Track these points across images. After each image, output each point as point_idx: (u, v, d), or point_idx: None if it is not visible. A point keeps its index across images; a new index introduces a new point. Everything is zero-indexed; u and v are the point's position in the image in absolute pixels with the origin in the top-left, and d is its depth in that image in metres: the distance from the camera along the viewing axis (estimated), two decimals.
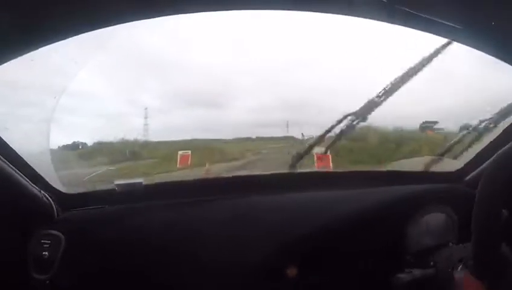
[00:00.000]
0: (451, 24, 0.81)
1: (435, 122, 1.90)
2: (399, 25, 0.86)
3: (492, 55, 0.92)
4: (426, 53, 1.04)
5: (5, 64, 0.76)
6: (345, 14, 0.86)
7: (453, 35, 0.90)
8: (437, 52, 1.01)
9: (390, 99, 1.09)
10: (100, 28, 0.78)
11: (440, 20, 0.80)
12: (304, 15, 0.86)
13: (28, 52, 0.78)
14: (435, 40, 0.95)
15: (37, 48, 0.78)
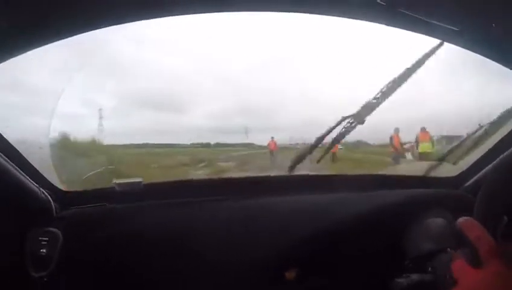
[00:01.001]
0: (448, 26, 0.81)
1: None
2: (396, 27, 0.87)
3: (491, 58, 0.92)
4: (420, 56, 1.04)
5: (5, 62, 0.77)
6: (342, 16, 0.86)
7: (451, 37, 0.90)
8: (429, 55, 1.01)
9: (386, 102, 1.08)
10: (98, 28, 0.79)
11: (437, 23, 0.80)
12: (267, 18, 0.87)
13: (28, 51, 0.79)
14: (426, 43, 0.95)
15: (37, 47, 0.78)
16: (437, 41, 0.94)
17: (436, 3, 0.76)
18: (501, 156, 0.67)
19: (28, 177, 0.96)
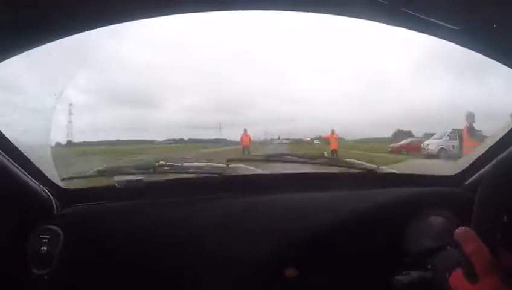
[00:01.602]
0: (449, 25, 0.81)
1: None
2: (397, 26, 0.86)
3: (490, 57, 0.92)
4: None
5: (5, 61, 0.77)
6: (341, 15, 0.86)
7: (451, 36, 0.90)
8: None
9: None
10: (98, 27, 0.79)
11: (438, 22, 0.80)
12: (241, 15, 0.87)
13: (28, 50, 0.78)
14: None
15: (37, 46, 0.78)
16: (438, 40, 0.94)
17: (436, 2, 0.76)
18: (501, 154, 0.67)
19: (28, 176, 0.96)
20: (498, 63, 0.91)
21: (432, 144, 9.35)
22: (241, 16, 0.88)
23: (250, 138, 8.15)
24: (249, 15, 0.88)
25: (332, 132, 8.25)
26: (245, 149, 7.63)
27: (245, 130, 8.29)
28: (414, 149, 10.12)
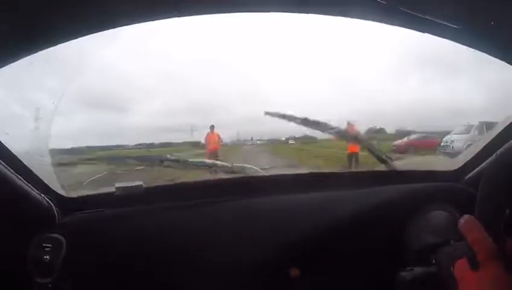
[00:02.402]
0: (449, 24, 0.81)
1: None
2: (396, 25, 0.86)
3: (492, 55, 0.92)
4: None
5: (5, 67, 0.77)
6: (340, 16, 0.86)
7: (451, 35, 0.90)
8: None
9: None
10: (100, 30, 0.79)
11: (437, 21, 0.80)
12: (212, 18, 0.86)
13: (27, 55, 0.78)
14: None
15: (36, 51, 0.78)
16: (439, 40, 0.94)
17: (435, 1, 0.76)
18: (501, 149, 0.67)
19: (29, 184, 0.96)
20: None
21: (458, 140, 7.60)
22: (211, 19, 0.88)
23: (220, 138, 6.06)
24: (220, 18, 0.87)
25: (212, 128, 5.95)
26: (212, 154, 5.45)
27: (212, 128, 5.90)
28: (427, 146, 8.42)
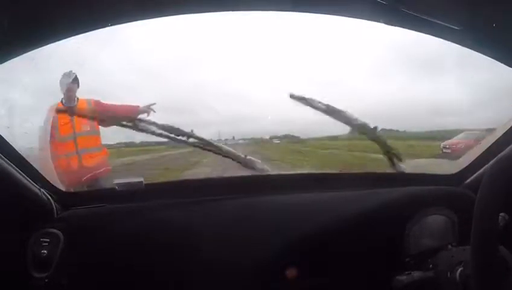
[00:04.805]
0: (450, 25, 0.81)
1: None
2: (397, 26, 0.86)
3: (492, 57, 0.91)
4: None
5: (6, 63, 0.77)
6: (341, 15, 0.86)
7: (452, 36, 0.90)
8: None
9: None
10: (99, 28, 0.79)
11: (438, 22, 0.80)
12: (191, 17, 0.85)
13: (28, 51, 0.78)
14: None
15: (38, 47, 0.78)
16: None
17: (437, 2, 0.76)
18: (501, 154, 0.67)
19: (28, 179, 0.96)
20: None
21: None
22: (190, 18, 0.87)
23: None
24: (199, 17, 0.87)
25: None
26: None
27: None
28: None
